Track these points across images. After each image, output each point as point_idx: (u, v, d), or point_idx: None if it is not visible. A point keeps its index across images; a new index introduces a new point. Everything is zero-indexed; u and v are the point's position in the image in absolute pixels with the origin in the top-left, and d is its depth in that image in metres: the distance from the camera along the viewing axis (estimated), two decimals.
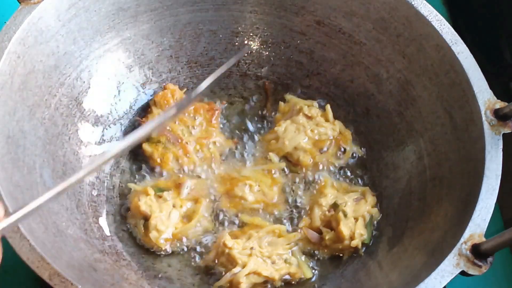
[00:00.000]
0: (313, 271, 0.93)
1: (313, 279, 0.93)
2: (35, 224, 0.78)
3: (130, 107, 1.04)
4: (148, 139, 1.00)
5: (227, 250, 0.89)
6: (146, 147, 1.00)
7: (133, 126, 1.04)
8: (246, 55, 1.09)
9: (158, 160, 0.99)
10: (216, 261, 0.91)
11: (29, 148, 0.86)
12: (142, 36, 1.03)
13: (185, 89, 1.06)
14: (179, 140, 1.00)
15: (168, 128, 1.01)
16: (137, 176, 1.00)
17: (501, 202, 0.82)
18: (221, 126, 1.05)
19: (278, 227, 0.94)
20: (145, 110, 1.05)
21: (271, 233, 0.93)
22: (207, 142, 1.01)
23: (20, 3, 0.88)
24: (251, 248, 0.90)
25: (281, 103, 1.06)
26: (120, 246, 0.93)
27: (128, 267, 0.90)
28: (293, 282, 0.92)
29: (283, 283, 0.91)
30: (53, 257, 0.73)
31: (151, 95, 1.05)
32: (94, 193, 0.96)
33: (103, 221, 0.94)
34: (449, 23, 0.93)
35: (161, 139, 1.00)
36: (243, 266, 0.88)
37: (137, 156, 1.01)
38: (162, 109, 1.02)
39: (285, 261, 0.91)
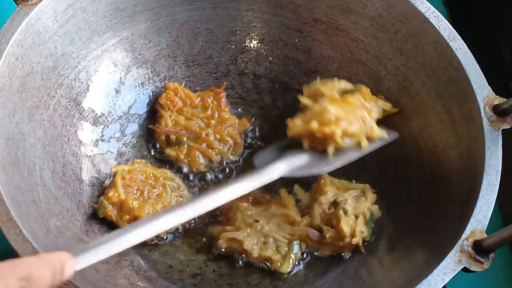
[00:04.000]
0: (294, 269, 0.93)
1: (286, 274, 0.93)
2: (36, 226, 0.78)
3: (129, 107, 1.04)
4: (169, 143, 1.00)
5: (234, 209, 0.92)
6: (169, 151, 0.99)
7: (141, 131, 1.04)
8: (243, 54, 1.09)
9: (186, 161, 0.99)
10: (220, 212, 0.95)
11: (29, 150, 0.86)
12: (140, 35, 1.03)
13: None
14: (199, 135, 0.99)
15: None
16: None
17: (500, 199, 0.82)
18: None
19: (294, 215, 0.94)
20: (153, 115, 1.04)
21: (286, 217, 0.94)
22: (224, 127, 1.01)
23: (17, 4, 0.87)
24: (256, 221, 0.92)
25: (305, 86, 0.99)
26: None
27: (129, 267, 0.90)
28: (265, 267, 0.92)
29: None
30: None
31: (150, 95, 1.05)
32: (95, 193, 0.95)
33: (104, 222, 0.93)
34: (449, 22, 0.93)
35: (181, 139, 0.99)
36: (236, 230, 0.91)
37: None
38: (170, 110, 1.01)
39: (276, 247, 0.91)
